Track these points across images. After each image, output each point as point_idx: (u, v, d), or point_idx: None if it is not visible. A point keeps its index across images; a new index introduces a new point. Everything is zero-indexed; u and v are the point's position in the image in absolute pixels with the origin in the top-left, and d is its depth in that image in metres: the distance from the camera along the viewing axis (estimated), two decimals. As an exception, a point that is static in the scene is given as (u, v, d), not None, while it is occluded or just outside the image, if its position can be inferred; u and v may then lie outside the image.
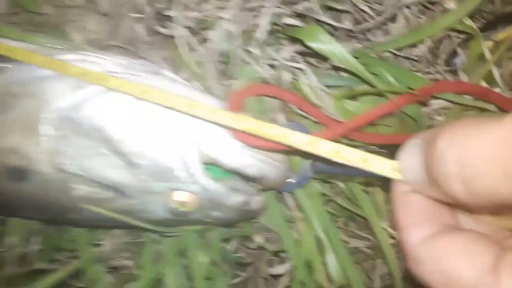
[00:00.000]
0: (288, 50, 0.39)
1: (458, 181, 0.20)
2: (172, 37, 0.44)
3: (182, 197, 0.38)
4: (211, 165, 0.40)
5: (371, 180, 0.45)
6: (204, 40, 0.45)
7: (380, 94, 0.41)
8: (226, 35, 0.41)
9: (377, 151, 0.43)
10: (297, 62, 0.40)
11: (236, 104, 0.35)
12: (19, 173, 0.37)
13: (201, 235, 0.44)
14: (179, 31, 0.42)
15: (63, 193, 0.38)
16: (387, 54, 0.45)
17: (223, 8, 0.41)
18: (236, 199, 0.39)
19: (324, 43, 0.38)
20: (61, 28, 0.47)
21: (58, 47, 0.43)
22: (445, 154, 0.20)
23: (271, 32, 0.40)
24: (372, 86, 0.38)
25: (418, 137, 0.23)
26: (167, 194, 0.38)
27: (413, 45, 0.43)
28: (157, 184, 0.38)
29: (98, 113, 0.36)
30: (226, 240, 0.46)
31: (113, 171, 0.37)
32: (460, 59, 0.44)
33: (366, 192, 0.47)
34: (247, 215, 0.41)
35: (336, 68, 0.44)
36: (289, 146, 0.31)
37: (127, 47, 0.48)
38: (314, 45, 0.38)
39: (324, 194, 0.46)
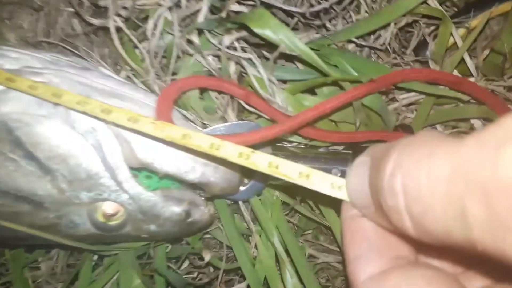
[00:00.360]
0: (231, 38, 0.34)
1: (406, 215, 0.16)
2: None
3: (109, 209, 0.33)
4: (152, 173, 0.35)
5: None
6: (143, 33, 0.40)
7: (341, 87, 0.37)
8: (165, 24, 0.36)
9: (342, 152, 0.38)
10: (246, 52, 0.35)
11: (167, 102, 0.30)
12: None
13: (140, 254, 0.38)
14: (113, 22, 0.37)
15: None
16: (351, 46, 0.41)
17: (161, -6, 0.37)
18: (174, 210, 0.33)
19: (274, 30, 0.33)
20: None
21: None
22: (392, 182, 0.16)
23: (218, 22, 0.36)
24: (328, 76, 0.34)
25: (367, 154, 0.20)
26: (92, 206, 0.33)
27: (376, 33, 0.39)
28: (79, 194, 0.32)
29: (5, 111, 0.31)
30: (173, 259, 0.40)
31: (26, 180, 0.31)
32: (431, 49, 0.40)
33: (333, 200, 0.42)
34: (191, 229, 0.36)
35: (292, 60, 0.39)
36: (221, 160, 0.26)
37: (63, 44, 0.43)
38: (261, 31, 0.33)
39: (284, 203, 0.41)
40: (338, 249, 0.46)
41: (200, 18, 0.34)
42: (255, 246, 0.40)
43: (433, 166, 0.15)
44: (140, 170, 0.34)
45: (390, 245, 0.20)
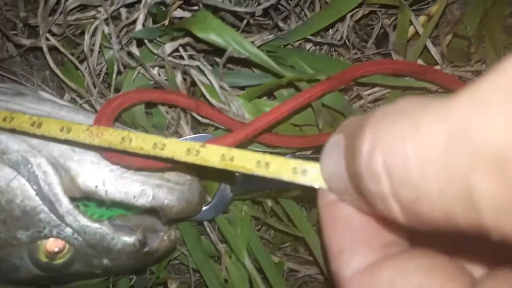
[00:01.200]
0: (173, 45, 0.31)
1: (393, 200, 0.13)
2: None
3: (52, 247, 0.29)
4: (96, 201, 0.32)
5: (306, 192, 0.37)
6: (83, 51, 0.37)
7: (299, 89, 0.34)
8: (103, 38, 0.33)
9: (310, 157, 0.35)
10: (194, 60, 0.33)
11: (105, 119, 0.27)
12: None
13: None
14: (45, 41, 0.34)
15: None
16: (309, 45, 0.38)
17: (97, 6, 0.34)
18: (126, 240, 0.30)
19: (218, 33, 0.30)
20: None
21: None
22: (371, 163, 0.13)
23: (161, 30, 0.33)
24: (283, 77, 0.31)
25: (340, 131, 0.16)
26: (32, 245, 0.29)
27: (334, 28, 0.37)
28: (16, 233, 0.29)
29: None
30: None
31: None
32: (392, 40, 0.37)
33: (306, 208, 0.40)
34: (150, 259, 0.32)
35: (248, 66, 0.37)
36: (168, 161, 0.23)
37: None
38: (206, 36, 0.30)
39: (254, 217, 0.38)
40: (320, 260, 0.43)
41: (138, 27, 0.31)
42: (226, 268, 0.37)
43: (422, 139, 0.12)
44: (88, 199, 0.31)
45: (377, 231, 0.17)
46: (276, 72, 0.31)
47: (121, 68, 0.33)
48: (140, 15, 0.31)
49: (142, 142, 0.23)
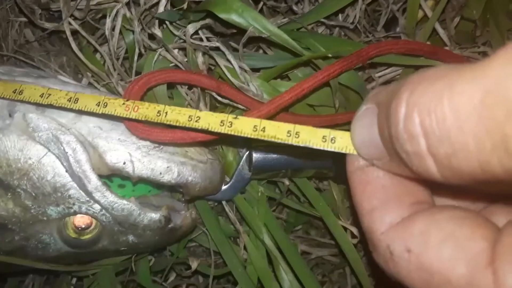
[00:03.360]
0: (195, 26, 0.32)
1: (430, 158, 0.14)
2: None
3: (80, 222, 0.30)
4: (125, 181, 0.32)
5: (322, 172, 0.38)
6: (102, 37, 0.38)
7: (315, 69, 0.35)
8: (123, 21, 0.34)
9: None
10: (213, 42, 0.34)
11: (132, 97, 0.28)
12: None
13: (120, 270, 0.35)
14: (68, 24, 0.34)
15: None
16: (321, 29, 0.39)
17: (117, -9, 0.34)
18: (152, 216, 0.31)
19: (240, 14, 0.31)
20: None
21: None
22: (408, 125, 0.14)
23: (180, 14, 0.34)
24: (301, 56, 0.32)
25: (371, 101, 0.18)
26: (61, 222, 0.30)
27: (344, 13, 0.38)
28: (46, 209, 0.29)
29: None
30: (157, 272, 0.38)
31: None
32: (401, 24, 0.39)
33: (319, 190, 0.41)
34: (173, 236, 0.33)
35: (260, 49, 0.38)
36: (202, 131, 0.24)
37: (17, 56, 0.40)
38: (227, 16, 0.31)
39: (270, 198, 0.39)
40: (332, 242, 0.44)
41: (160, 9, 0.32)
42: (244, 248, 0.37)
43: (458, 98, 0.13)
44: (112, 178, 0.32)
45: (407, 191, 0.19)
46: (296, 51, 0.32)
47: (142, 50, 0.34)
48: (162, -2, 0.32)
49: (177, 115, 0.24)
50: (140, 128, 0.28)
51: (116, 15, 0.34)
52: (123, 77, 0.36)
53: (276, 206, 0.41)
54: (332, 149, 0.21)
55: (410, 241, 0.17)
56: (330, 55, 0.32)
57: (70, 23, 0.34)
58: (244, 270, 0.36)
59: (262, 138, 0.22)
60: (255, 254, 0.36)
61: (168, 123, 0.24)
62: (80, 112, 0.26)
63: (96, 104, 0.25)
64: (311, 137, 0.22)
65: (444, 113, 0.13)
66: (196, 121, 0.24)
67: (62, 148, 0.28)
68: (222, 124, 0.23)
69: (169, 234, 0.33)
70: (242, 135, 0.23)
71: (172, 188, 0.34)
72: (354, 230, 0.37)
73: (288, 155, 0.35)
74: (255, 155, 0.35)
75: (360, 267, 0.36)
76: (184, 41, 0.33)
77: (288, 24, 0.37)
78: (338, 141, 0.21)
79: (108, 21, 0.34)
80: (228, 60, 0.33)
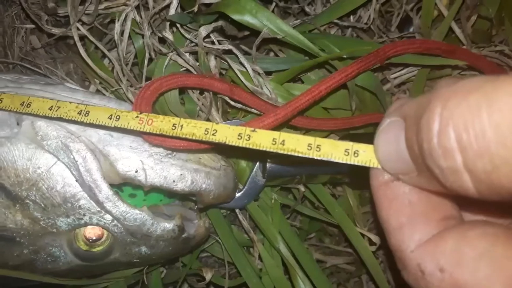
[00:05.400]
0: (208, 28, 0.31)
1: (466, 174, 0.14)
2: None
3: (91, 234, 0.29)
4: (136, 190, 0.31)
5: (337, 178, 0.37)
6: (110, 42, 0.37)
7: (329, 71, 0.34)
8: (133, 25, 0.33)
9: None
10: (224, 45, 0.33)
11: (144, 106, 0.27)
12: None
13: (131, 283, 0.34)
14: (76, 29, 0.33)
15: None
16: (333, 30, 0.38)
17: (125, -6, 0.34)
18: (165, 226, 0.30)
19: (253, 14, 0.30)
20: None
21: None
22: (443, 140, 0.14)
23: (191, 17, 0.33)
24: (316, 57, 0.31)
25: (395, 114, 0.17)
26: (71, 233, 0.29)
27: (356, 14, 0.37)
28: (56, 221, 0.28)
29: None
30: (169, 285, 0.36)
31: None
32: (415, 24, 0.38)
33: (334, 196, 0.39)
34: (187, 246, 0.32)
35: (271, 52, 0.37)
36: (218, 145, 0.23)
37: (23, 63, 0.39)
38: (240, 17, 0.30)
39: (284, 205, 0.38)
40: (347, 250, 0.43)
41: (171, 11, 0.31)
42: (259, 257, 0.36)
43: (499, 112, 0.12)
44: (123, 187, 0.31)
45: (434, 206, 0.18)
46: (311, 52, 0.31)
47: (152, 55, 0.33)
48: (173, 0, 0.31)
49: (193, 128, 0.23)
50: (154, 138, 0.27)
51: (125, 19, 0.33)
52: (132, 83, 0.35)
53: (290, 214, 0.39)
54: (356, 163, 0.20)
55: (442, 259, 0.16)
56: (345, 56, 0.31)
57: (78, 28, 0.33)
58: (259, 280, 0.35)
59: (282, 151, 0.22)
60: (271, 263, 0.35)
61: (184, 136, 0.23)
62: (91, 125, 0.25)
63: (108, 117, 0.24)
64: (333, 150, 0.21)
65: (483, 128, 0.13)
66: (213, 134, 0.23)
67: (72, 156, 0.27)
68: (240, 137, 0.22)
69: (183, 244, 0.31)
70: (261, 148, 0.22)
71: (184, 197, 0.33)
72: (372, 237, 0.36)
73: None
74: (270, 161, 0.34)
75: (380, 275, 0.35)
76: (196, 45, 0.32)
77: (301, 26, 0.36)
78: (361, 155, 0.20)
79: (117, 25, 0.33)
80: (241, 63, 0.32)
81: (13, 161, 0.27)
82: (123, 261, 0.31)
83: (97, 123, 0.25)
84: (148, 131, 0.24)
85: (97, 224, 0.28)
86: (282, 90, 0.33)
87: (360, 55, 0.31)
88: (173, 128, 0.24)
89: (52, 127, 0.28)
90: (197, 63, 0.32)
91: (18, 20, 0.40)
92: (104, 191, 0.28)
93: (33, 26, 0.39)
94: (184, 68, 0.33)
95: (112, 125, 0.25)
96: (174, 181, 0.29)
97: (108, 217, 0.28)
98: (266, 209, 0.37)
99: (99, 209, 0.28)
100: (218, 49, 0.32)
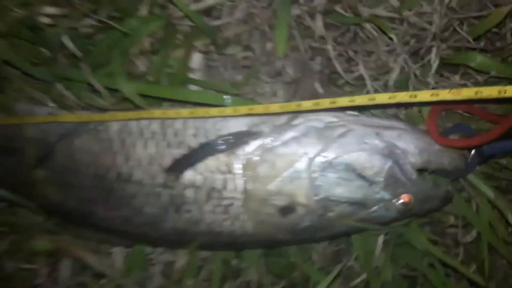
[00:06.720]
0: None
1: None
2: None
3: (405, 198, 0.51)
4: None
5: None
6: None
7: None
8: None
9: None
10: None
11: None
12: (289, 209, 0.50)
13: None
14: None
15: (321, 218, 0.51)
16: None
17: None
18: (441, 191, 0.52)
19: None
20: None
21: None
22: None
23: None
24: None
25: None
26: (392, 200, 0.51)
27: None
28: (385, 192, 0.50)
29: (342, 152, 0.49)
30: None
31: (357, 191, 0.50)
32: None
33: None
34: (446, 203, 0.54)
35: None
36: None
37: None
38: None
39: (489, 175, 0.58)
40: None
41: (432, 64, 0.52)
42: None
43: None
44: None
45: None
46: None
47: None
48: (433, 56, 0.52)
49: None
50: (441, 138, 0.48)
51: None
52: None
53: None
54: None
55: None
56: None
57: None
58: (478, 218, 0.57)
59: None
60: (484, 207, 0.56)
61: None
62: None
63: (431, 95, 0.46)
64: None
65: None
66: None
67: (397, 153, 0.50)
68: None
69: (444, 203, 0.54)
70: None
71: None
72: None
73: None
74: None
75: None
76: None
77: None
78: None
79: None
80: None
81: (370, 162, 0.49)
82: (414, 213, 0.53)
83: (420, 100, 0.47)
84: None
85: (407, 192, 0.50)
86: None
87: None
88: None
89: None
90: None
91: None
92: (411, 172, 0.50)
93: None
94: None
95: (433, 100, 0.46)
96: (448, 164, 0.51)
97: (413, 187, 0.51)
98: (477, 177, 0.57)
99: (408, 182, 0.50)
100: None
